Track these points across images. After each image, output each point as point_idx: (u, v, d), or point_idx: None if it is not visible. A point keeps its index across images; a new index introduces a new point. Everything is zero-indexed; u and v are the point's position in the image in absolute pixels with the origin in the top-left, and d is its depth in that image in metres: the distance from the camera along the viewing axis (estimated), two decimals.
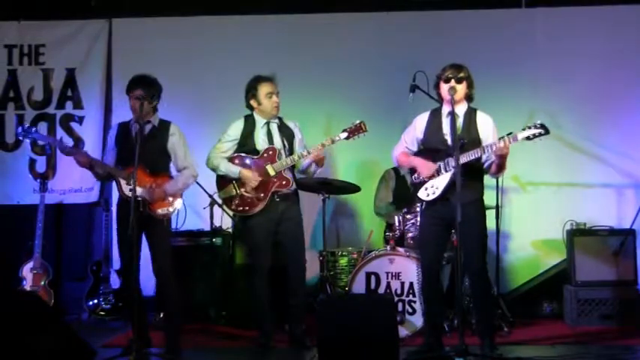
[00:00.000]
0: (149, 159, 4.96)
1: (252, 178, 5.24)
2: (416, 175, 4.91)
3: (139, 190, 4.86)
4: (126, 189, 4.91)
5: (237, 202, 5.31)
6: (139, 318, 4.89)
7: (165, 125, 5.10)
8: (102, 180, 5.39)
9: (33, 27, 6.89)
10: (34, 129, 5.28)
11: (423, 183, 4.85)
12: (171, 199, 5.03)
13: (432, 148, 4.87)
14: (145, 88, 4.96)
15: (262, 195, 5.26)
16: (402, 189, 6.15)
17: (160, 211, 4.99)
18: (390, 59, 6.57)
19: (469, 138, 4.75)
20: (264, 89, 5.31)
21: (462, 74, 4.76)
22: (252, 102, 5.36)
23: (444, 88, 4.77)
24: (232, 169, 5.29)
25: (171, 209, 5.04)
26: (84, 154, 5.13)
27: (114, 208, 6.54)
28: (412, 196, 5.06)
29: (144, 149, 4.90)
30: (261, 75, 5.36)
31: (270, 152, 5.31)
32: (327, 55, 6.69)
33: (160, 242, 5.01)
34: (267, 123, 5.37)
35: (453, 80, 4.73)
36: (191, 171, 5.15)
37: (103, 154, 5.20)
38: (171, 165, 5.16)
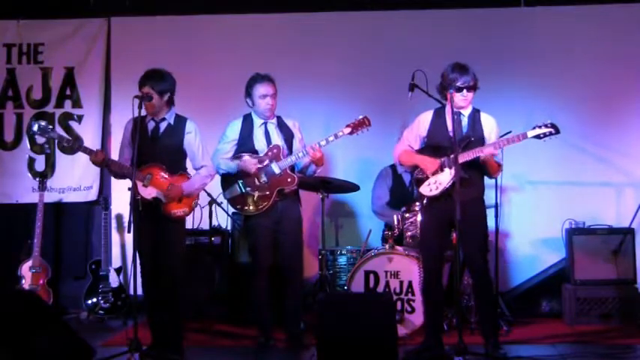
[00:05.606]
0: (165, 158, 4.89)
1: (250, 163, 5.19)
2: (418, 171, 4.91)
3: (154, 191, 4.81)
4: (142, 191, 4.80)
5: (242, 201, 5.28)
6: (159, 319, 4.89)
7: (181, 122, 4.99)
8: (117, 178, 5.21)
9: (32, 26, 6.88)
10: (50, 127, 5.07)
11: (426, 178, 4.85)
12: (187, 199, 4.91)
13: (435, 145, 4.86)
14: (154, 83, 4.83)
15: (268, 193, 5.23)
16: (398, 187, 6.14)
17: (176, 211, 4.89)
18: (389, 58, 6.57)
19: (475, 137, 4.78)
20: (258, 90, 5.26)
21: (473, 82, 4.75)
22: (248, 100, 5.34)
23: (457, 96, 4.72)
24: (230, 164, 5.26)
25: (187, 210, 4.94)
26: (101, 153, 4.93)
27: (113, 207, 6.64)
28: (413, 192, 5.04)
29: (159, 148, 4.86)
30: (259, 75, 5.30)
31: (275, 150, 5.28)
32: (326, 55, 6.68)
33: (174, 243, 4.90)
34: (265, 123, 5.36)
35: (465, 90, 4.73)
36: (208, 170, 5.08)
37: (121, 151, 5.06)
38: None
